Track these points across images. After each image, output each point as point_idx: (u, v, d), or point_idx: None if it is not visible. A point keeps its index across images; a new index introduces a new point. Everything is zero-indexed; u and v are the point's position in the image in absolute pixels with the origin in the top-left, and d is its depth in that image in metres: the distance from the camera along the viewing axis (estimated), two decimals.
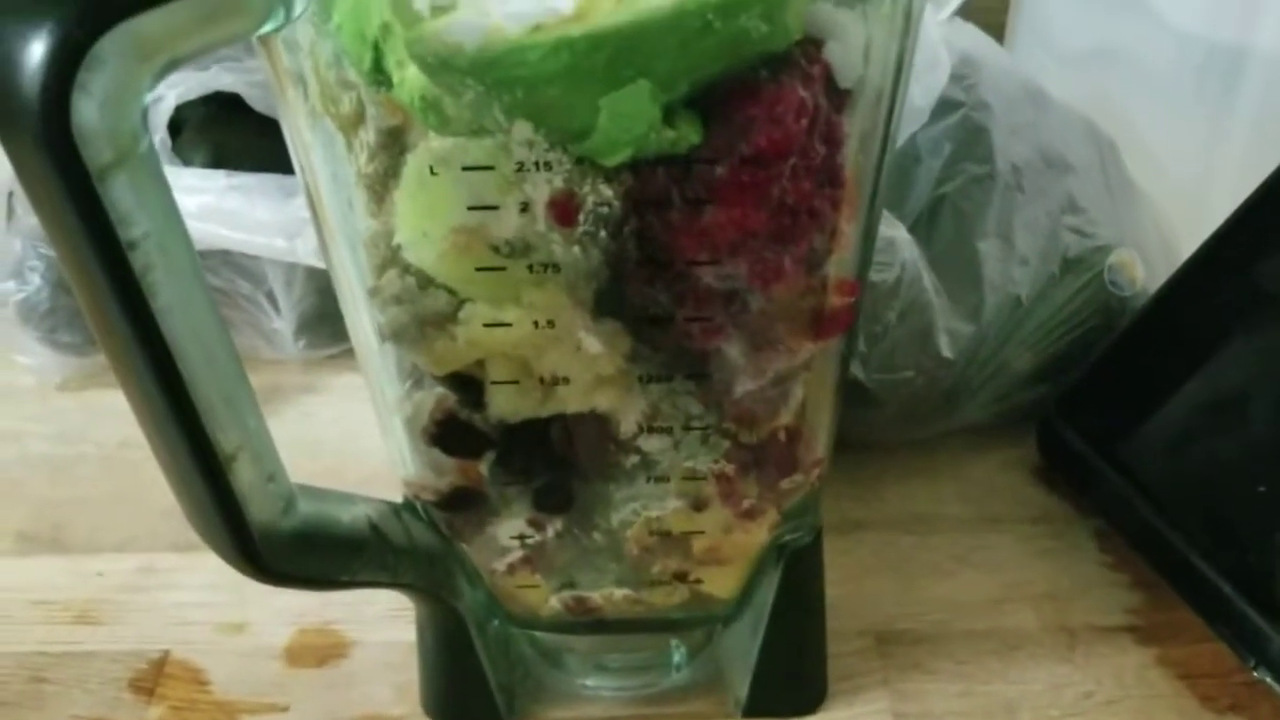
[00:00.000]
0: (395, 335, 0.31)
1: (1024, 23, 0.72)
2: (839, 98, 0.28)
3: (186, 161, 0.57)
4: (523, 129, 0.27)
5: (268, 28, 0.25)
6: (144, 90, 0.23)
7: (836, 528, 0.49)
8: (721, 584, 0.39)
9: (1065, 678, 0.44)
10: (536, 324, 0.30)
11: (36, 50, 0.21)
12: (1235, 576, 0.45)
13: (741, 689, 0.42)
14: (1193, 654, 0.45)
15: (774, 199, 0.29)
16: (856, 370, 0.49)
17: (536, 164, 0.27)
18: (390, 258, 0.30)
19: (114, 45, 0.22)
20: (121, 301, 0.25)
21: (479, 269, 0.29)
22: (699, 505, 0.36)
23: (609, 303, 0.30)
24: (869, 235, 0.32)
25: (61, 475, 0.56)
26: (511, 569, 0.38)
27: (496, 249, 0.29)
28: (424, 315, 0.31)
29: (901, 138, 0.50)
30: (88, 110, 0.22)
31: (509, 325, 0.30)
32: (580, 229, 0.28)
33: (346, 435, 0.57)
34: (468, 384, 0.32)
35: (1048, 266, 0.51)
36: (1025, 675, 0.45)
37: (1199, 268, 0.49)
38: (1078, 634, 0.46)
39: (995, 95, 0.53)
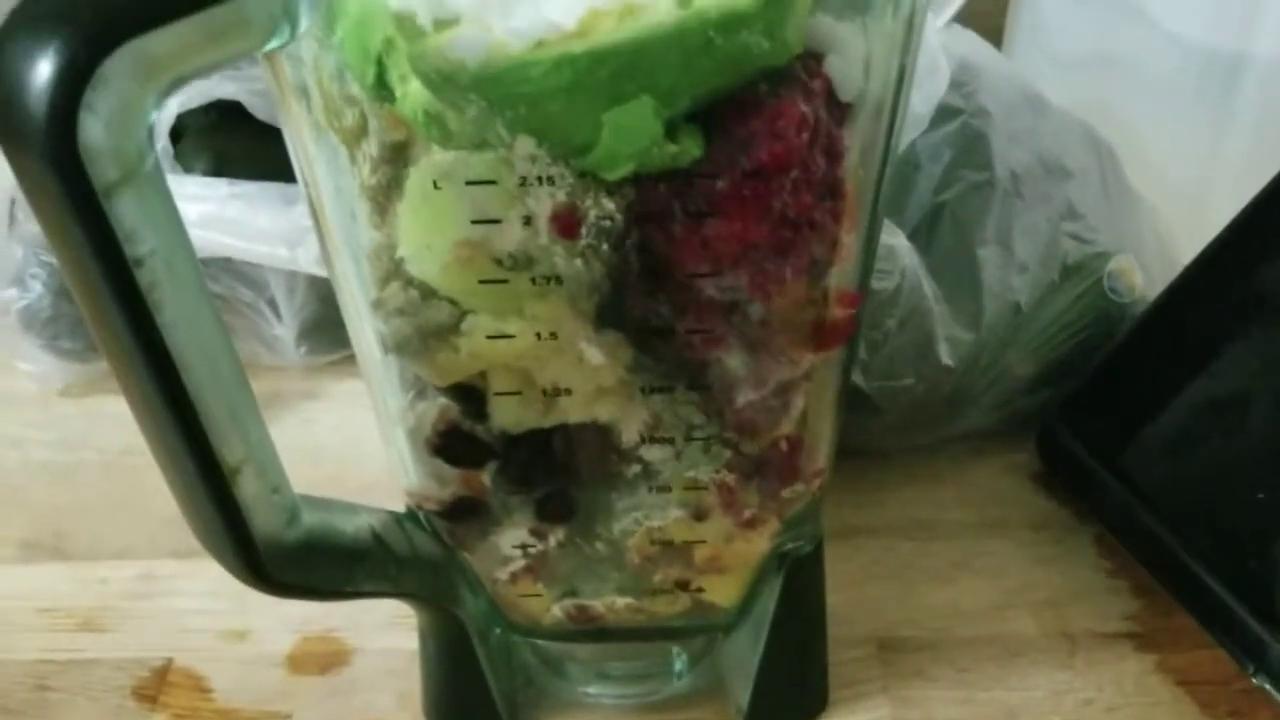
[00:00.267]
0: (398, 347, 0.31)
1: (1021, 27, 0.72)
2: (840, 111, 0.29)
3: (187, 169, 0.57)
4: (525, 144, 0.27)
5: (273, 44, 0.25)
6: (150, 109, 0.23)
7: (837, 534, 0.49)
8: (723, 592, 0.39)
9: (1066, 684, 0.45)
10: (539, 336, 0.30)
11: (43, 70, 0.21)
12: (1235, 583, 0.45)
13: (743, 697, 0.42)
14: (1192, 661, 0.46)
15: (775, 212, 0.29)
16: (857, 378, 0.49)
17: (539, 178, 0.27)
18: (393, 270, 0.30)
19: (120, 65, 0.22)
20: (127, 317, 0.25)
21: (482, 281, 0.29)
22: (700, 515, 0.36)
23: (611, 314, 0.30)
24: (870, 246, 0.33)
25: (63, 482, 0.56)
26: (514, 578, 0.38)
27: (499, 262, 0.29)
28: (427, 327, 0.31)
29: (901, 146, 0.50)
30: (94, 129, 0.22)
31: (512, 337, 0.30)
32: (583, 242, 0.28)
33: (348, 442, 0.57)
34: (470, 395, 0.33)
35: (1047, 273, 0.51)
36: (1026, 682, 0.45)
37: (1199, 274, 0.49)
38: (1078, 640, 0.46)
39: (994, 101, 0.53)
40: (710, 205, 0.28)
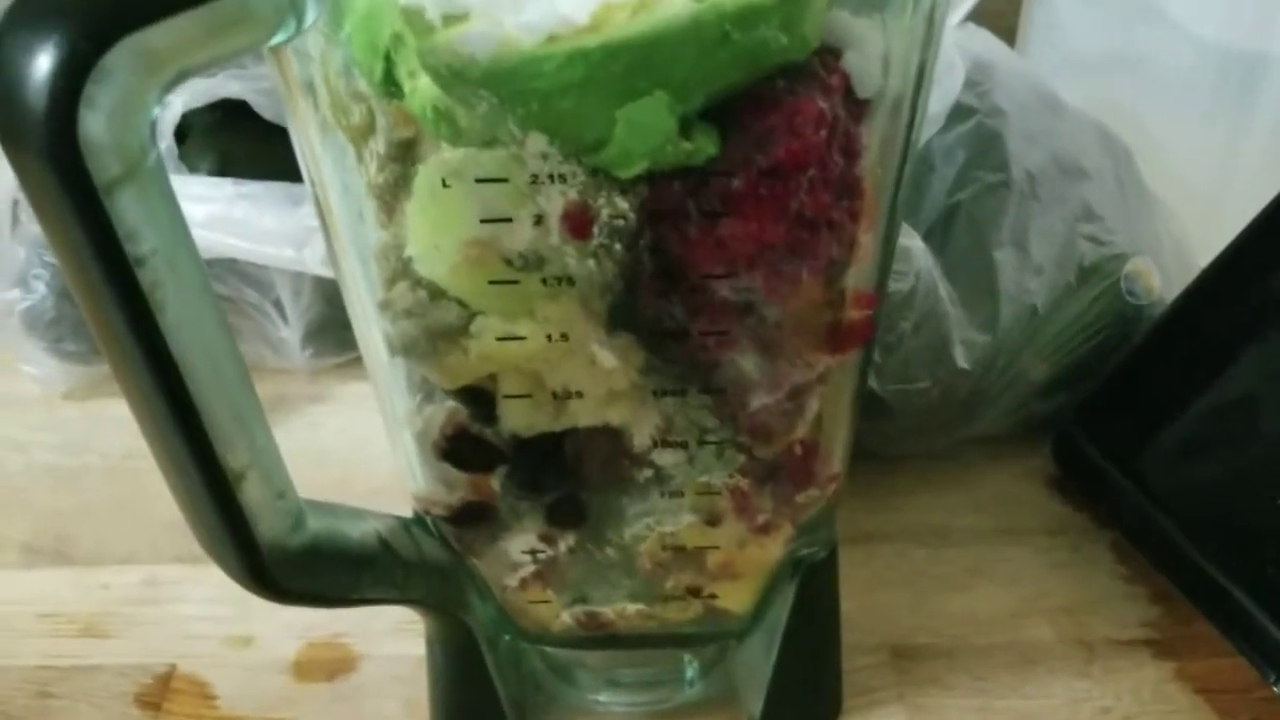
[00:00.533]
0: (406, 349, 0.31)
1: (1035, 26, 0.71)
2: (858, 108, 0.28)
3: (192, 168, 0.56)
4: (537, 141, 0.26)
5: (278, 39, 0.25)
6: (152, 103, 0.22)
7: (851, 539, 0.48)
8: (736, 599, 0.39)
9: (1083, 692, 0.44)
10: (550, 337, 0.30)
11: (43, 63, 0.21)
12: (1254, 590, 0.45)
13: (755, 705, 0.42)
14: (1211, 668, 0.45)
15: (792, 211, 0.28)
16: (871, 381, 0.48)
17: (551, 176, 0.27)
18: (401, 270, 0.30)
19: (122, 58, 0.21)
20: (128, 317, 0.24)
21: (492, 282, 0.29)
22: (713, 520, 0.35)
23: (623, 316, 0.30)
24: (888, 246, 0.32)
25: (66, 486, 0.55)
26: (523, 584, 0.38)
27: (510, 262, 0.28)
28: (435, 328, 0.30)
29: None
30: (95, 124, 0.21)
31: (522, 339, 0.30)
32: (595, 242, 0.28)
33: (354, 445, 0.57)
34: (479, 398, 0.32)
35: (1064, 275, 0.51)
36: (1043, 690, 0.44)
37: (1216, 277, 0.49)
38: (1095, 648, 0.46)
39: (1009, 101, 0.52)
40: (725, 204, 0.28)
